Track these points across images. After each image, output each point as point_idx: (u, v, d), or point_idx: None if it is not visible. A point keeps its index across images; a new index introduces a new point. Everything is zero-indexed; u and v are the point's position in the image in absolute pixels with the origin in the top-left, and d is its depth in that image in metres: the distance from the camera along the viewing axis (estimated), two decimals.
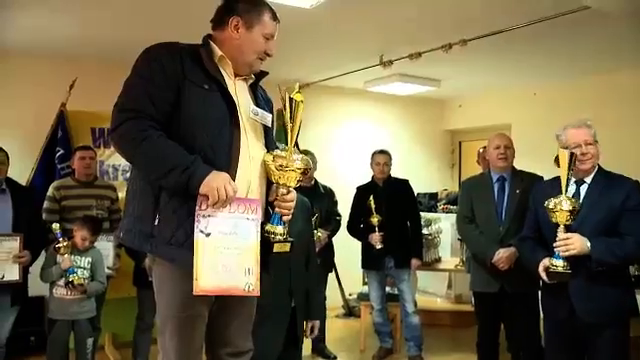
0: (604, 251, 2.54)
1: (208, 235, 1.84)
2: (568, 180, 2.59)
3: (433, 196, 6.63)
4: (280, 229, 2.01)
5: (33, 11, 3.88)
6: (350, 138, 6.85)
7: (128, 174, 2.19)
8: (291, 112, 1.98)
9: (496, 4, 3.72)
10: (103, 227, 3.99)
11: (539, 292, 3.20)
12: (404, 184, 4.73)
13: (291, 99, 1.97)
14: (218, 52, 2.03)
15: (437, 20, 4.09)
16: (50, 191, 4.08)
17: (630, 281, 2.84)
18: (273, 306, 2.65)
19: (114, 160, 4.81)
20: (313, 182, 4.52)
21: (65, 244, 3.56)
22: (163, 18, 3.95)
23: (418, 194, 5.71)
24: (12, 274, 3.46)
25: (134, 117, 1.85)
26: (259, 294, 1.95)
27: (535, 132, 6.03)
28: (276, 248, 1.99)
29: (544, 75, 5.95)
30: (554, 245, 2.59)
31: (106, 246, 3.94)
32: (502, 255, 3.40)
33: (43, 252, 3.74)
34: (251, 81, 2.16)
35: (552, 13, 3.71)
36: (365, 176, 4.84)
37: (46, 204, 4.03)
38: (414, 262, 4.58)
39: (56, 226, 3.57)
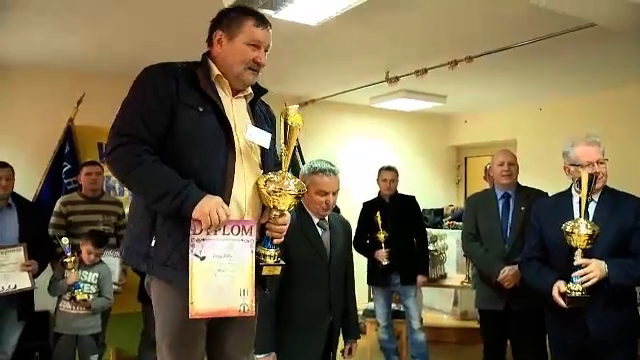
0: (621, 274, 2.50)
1: (203, 259, 1.86)
2: (588, 203, 2.53)
3: (439, 212, 6.61)
4: (271, 252, 2.00)
5: (40, 27, 3.93)
6: (356, 154, 6.85)
7: None
8: (285, 137, 1.97)
9: (501, 21, 3.74)
10: (109, 243, 4.00)
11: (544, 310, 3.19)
12: (410, 200, 4.72)
13: (286, 124, 1.95)
14: (215, 71, 2.02)
15: (443, 37, 4.11)
16: (57, 206, 4.10)
17: (636, 300, 2.82)
18: (311, 321, 2.70)
19: None
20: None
21: (72, 259, 3.57)
22: (168, 32, 3.99)
23: (423, 210, 5.69)
24: (23, 282, 3.50)
25: (128, 142, 1.86)
26: (254, 314, 1.96)
27: (541, 147, 6.03)
28: (265, 271, 1.98)
29: (549, 91, 5.96)
30: (574, 275, 2.51)
31: (112, 261, 3.95)
32: (508, 273, 3.37)
33: (49, 267, 3.75)
34: (250, 98, 2.14)
35: (558, 30, 3.73)
36: (371, 192, 4.83)
37: (53, 219, 4.05)
38: (420, 279, 4.55)
39: (65, 240, 3.58)
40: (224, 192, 1.91)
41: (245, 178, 1.99)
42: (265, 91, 2.18)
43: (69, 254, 3.56)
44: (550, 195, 3.06)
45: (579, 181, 2.53)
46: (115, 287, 3.92)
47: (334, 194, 2.74)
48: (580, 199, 2.54)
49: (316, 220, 2.77)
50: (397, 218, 4.52)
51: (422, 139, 7.48)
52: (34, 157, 4.80)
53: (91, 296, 3.63)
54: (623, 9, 3.02)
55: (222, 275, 1.89)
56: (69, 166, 4.66)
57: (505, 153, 3.64)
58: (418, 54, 4.54)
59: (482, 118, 7.27)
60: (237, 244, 1.91)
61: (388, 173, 4.65)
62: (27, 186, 4.39)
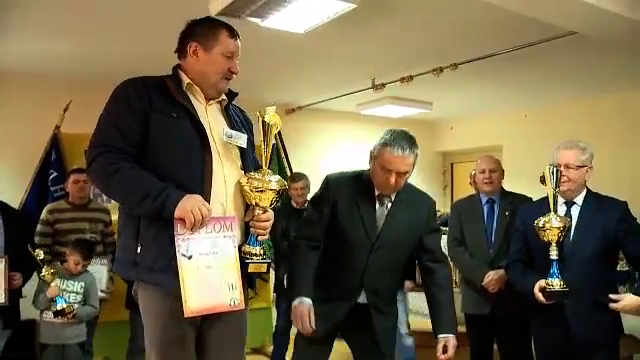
0: None
1: (190, 258, 1.89)
2: (555, 197, 2.58)
3: None
4: (257, 250, 2.03)
5: (26, 34, 3.92)
6: (342, 160, 6.85)
7: None
8: (264, 134, 2.01)
9: (485, 29, 3.79)
10: (97, 250, 3.98)
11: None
12: None
13: (264, 122, 2.00)
14: (185, 80, 2.06)
15: (428, 44, 4.15)
16: (43, 214, 4.07)
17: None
18: (334, 295, 2.53)
19: None
20: (307, 204, 4.53)
21: (49, 272, 3.50)
22: (156, 41, 3.98)
23: None
24: None
25: (105, 152, 1.92)
26: (244, 307, 1.99)
27: (526, 153, 6.10)
28: (251, 268, 2.01)
29: (534, 97, 6.03)
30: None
31: (99, 269, 3.93)
32: (492, 278, 3.40)
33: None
34: (225, 103, 2.18)
35: (540, 38, 3.79)
36: None
37: (39, 227, 4.02)
38: (407, 284, 4.57)
39: (39, 252, 3.47)
40: (203, 193, 1.94)
41: (225, 179, 2.03)
42: (235, 94, 2.23)
43: (45, 267, 3.50)
44: (535, 200, 3.10)
45: (543, 178, 2.60)
46: (102, 295, 3.89)
47: (402, 175, 2.40)
48: (548, 197, 2.59)
49: (377, 192, 2.50)
50: None
51: None
52: (20, 165, 4.77)
53: (76, 305, 3.59)
54: (602, 18, 3.08)
55: (211, 272, 1.92)
56: (55, 174, 4.61)
57: (487, 160, 3.65)
58: (403, 61, 4.58)
59: (468, 124, 7.34)
60: (220, 240, 1.96)
61: None
62: (13, 194, 4.36)
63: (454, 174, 7.90)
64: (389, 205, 2.51)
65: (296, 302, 2.44)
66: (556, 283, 2.55)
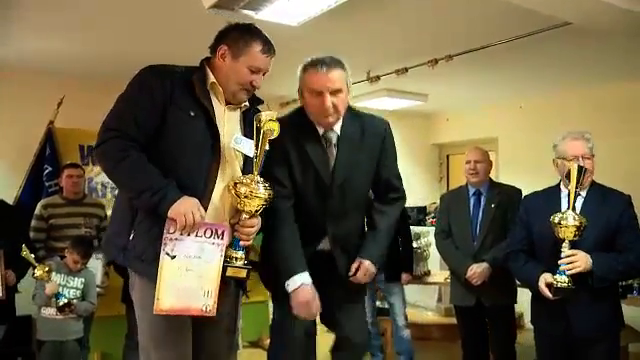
0: (606, 268, 2.53)
1: (173, 258, 1.91)
2: (576, 194, 2.55)
3: (421, 210, 6.66)
4: (239, 254, 2.03)
5: (21, 29, 3.89)
6: None
7: (117, 191, 2.24)
8: (257, 141, 1.99)
9: (480, 20, 3.77)
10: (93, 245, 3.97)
11: (514, 305, 3.22)
12: None
13: (258, 129, 1.97)
14: (211, 78, 2.05)
15: (423, 36, 4.14)
16: (38, 209, 4.06)
17: (619, 293, 2.87)
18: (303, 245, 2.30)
19: (103, 177, 4.79)
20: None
21: (43, 270, 3.49)
22: (151, 35, 3.97)
23: (407, 208, 5.73)
24: None
25: (117, 136, 1.92)
26: (215, 315, 1.99)
27: (521, 144, 6.10)
28: (229, 272, 2.01)
29: (529, 88, 6.02)
30: (560, 262, 2.52)
31: (95, 264, 3.92)
32: (475, 270, 3.41)
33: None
34: (244, 108, 2.16)
35: (536, 28, 3.78)
36: None
37: (33, 222, 4.01)
38: (404, 277, 4.58)
39: (26, 254, 3.44)
40: (204, 196, 1.96)
41: (225, 185, 2.03)
42: (261, 102, 2.22)
43: (37, 266, 3.48)
44: (537, 190, 3.05)
45: (568, 174, 2.55)
46: (98, 290, 3.89)
47: (334, 93, 2.21)
48: (569, 192, 2.56)
49: (321, 131, 2.31)
50: None
51: (404, 137, 7.48)
52: (14, 160, 4.76)
53: (75, 300, 3.60)
54: (597, 9, 3.07)
55: (190, 275, 1.94)
56: (50, 169, 4.61)
57: (473, 151, 3.66)
58: (398, 53, 4.57)
59: (463, 116, 7.33)
60: (208, 247, 1.97)
61: None
62: (7, 189, 4.35)
63: (450, 166, 7.89)
64: (336, 141, 2.30)
65: (296, 283, 2.17)
66: (564, 280, 2.52)
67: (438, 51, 4.43)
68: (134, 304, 2.08)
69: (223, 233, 1.99)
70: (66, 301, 3.52)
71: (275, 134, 1.98)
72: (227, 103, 2.10)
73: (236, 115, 2.15)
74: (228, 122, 2.09)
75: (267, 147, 2.00)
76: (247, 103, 2.16)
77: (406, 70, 4.86)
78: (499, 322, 3.49)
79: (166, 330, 1.98)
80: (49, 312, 3.58)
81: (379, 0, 3.43)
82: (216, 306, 1.98)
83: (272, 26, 3.48)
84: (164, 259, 1.89)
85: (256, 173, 2.01)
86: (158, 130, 1.95)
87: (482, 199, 3.57)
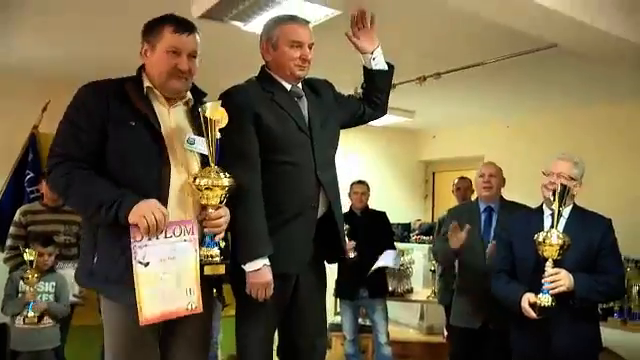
0: (587, 288, 2.53)
1: (147, 265, 1.86)
2: (560, 214, 2.55)
3: (406, 227, 6.65)
4: (212, 251, 2.00)
5: (5, 32, 3.85)
6: None
7: None
8: (206, 130, 1.95)
9: (467, 39, 3.80)
10: (72, 253, 3.91)
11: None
12: (381, 216, 4.76)
13: (205, 118, 1.94)
14: (146, 83, 2.01)
15: (411, 53, 4.15)
16: (16, 216, 3.99)
17: (598, 316, 2.87)
18: (300, 210, 2.28)
19: None
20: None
21: (34, 275, 3.44)
22: (135, 39, 3.94)
23: (392, 224, 5.72)
24: None
25: (60, 162, 1.91)
26: (202, 310, 1.97)
27: (508, 164, 6.06)
28: (207, 271, 1.98)
29: (517, 108, 6.07)
30: (544, 280, 2.52)
31: (72, 273, 3.85)
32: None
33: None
34: (191, 103, 2.11)
35: (521, 50, 3.81)
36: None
37: (12, 229, 3.94)
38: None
39: (31, 252, 3.45)
40: (160, 200, 1.90)
41: (182, 187, 1.99)
42: (204, 94, 2.16)
43: (29, 269, 3.44)
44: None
45: (553, 192, 2.56)
46: (75, 299, 3.82)
47: (310, 47, 2.31)
48: (552, 214, 2.57)
49: (288, 87, 2.32)
50: (367, 232, 4.53)
51: (390, 154, 7.52)
52: None
53: (47, 302, 3.54)
54: (583, 32, 3.10)
55: (168, 278, 1.90)
56: (32, 174, 4.54)
57: (488, 165, 3.61)
58: None
59: (450, 134, 7.37)
60: (180, 245, 1.93)
61: (359, 186, 4.70)
62: None
63: (435, 183, 7.91)
64: (302, 95, 2.37)
65: (259, 264, 2.12)
66: (548, 299, 2.51)
67: (426, 68, 4.45)
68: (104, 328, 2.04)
69: (192, 228, 1.96)
70: (38, 314, 3.45)
71: (223, 122, 1.95)
72: (170, 104, 2.05)
73: (182, 113, 2.09)
74: (175, 122, 2.04)
75: (218, 135, 1.96)
76: (190, 96, 2.10)
77: (394, 86, 4.87)
78: (500, 347, 3.34)
79: (128, 348, 1.94)
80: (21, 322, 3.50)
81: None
82: (201, 301, 1.95)
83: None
84: (137, 268, 1.83)
85: (213, 163, 1.98)
86: (103, 148, 1.91)
87: (493, 216, 3.45)
